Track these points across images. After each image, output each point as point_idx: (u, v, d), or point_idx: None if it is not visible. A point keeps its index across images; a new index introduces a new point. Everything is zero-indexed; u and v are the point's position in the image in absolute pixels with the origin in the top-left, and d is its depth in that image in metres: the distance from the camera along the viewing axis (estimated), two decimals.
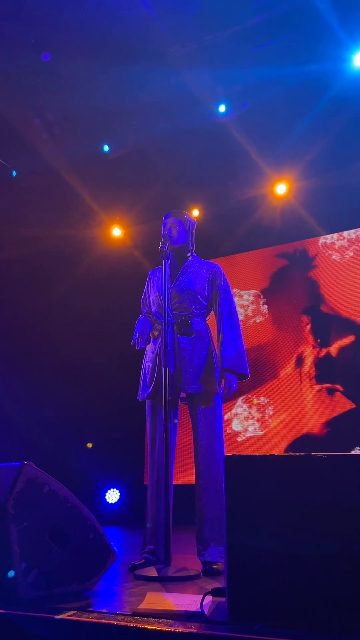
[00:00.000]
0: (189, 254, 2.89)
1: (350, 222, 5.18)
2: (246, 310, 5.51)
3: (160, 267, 2.94)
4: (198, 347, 2.70)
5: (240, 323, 2.82)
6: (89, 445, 5.65)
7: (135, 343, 2.76)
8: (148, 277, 3.02)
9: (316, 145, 4.69)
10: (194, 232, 2.96)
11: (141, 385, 2.80)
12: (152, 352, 2.77)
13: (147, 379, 2.76)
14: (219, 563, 2.39)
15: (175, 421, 2.74)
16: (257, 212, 5.52)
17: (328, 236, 5.31)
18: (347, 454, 1.45)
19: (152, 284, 2.95)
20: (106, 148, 5.15)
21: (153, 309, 2.86)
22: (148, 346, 2.84)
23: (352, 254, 5.16)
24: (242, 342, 2.74)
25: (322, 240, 5.35)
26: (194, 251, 2.94)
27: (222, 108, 4.66)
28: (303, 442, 4.92)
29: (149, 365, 2.77)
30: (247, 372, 2.68)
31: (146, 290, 3.00)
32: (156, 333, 2.80)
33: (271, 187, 5.36)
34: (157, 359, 2.72)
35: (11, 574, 1.70)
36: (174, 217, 2.89)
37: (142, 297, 3.01)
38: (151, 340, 2.82)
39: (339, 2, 3.72)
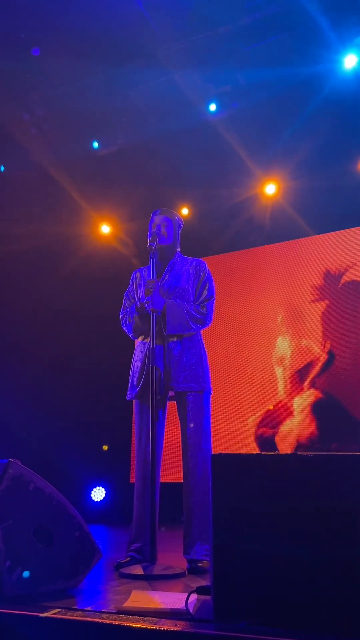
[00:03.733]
0: (174, 253, 2.90)
1: (339, 222, 5.21)
2: (232, 309, 5.52)
3: (145, 267, 2.94)
4: (187, 346, 2.71)
5: (211, 314, 2.80)
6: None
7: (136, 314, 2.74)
8: (132, 276, 3.01)
9: (306, 146, 4.71)
10: (180, 231, 2.96)
11: (130, 384, 2.80)
12: (141, 352, 2.77)
13: (135, 378, 2.76)
14: (205, 561, 2.40)
15: (163, 420, 2.74)
16: (246, 211, 5.53)
17: (315, 236, 5.34)
18: (333, 453, 1.46)
19: (139, 283, 2.94)
20: (96, 145, 5.13)
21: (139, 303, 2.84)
22: (137, 345, 2.84)
23: (338, 253, 5.20)
24: (192, 317, 2.70)
25: (309, 240, 5.37)
26: (179, 250, 2.95)
27: (212, 107, 4.66)
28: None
29: (137, 365, 2.77)
30: (166, 326, 2.64)
31: (132, 288, 2.98)
32: (144, 334, 2.80)
33: (261, 187, 5.38)
34: (145, 358, 2.72)
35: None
36: (163, 215, 2.89)
37: (127, 291, 2.98)
38: (140, 341, 2.82)
39: (329, 5, 3.74)
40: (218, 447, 4.99)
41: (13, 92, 4.55)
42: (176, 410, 2.74)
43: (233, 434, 5.19)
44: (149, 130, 4.84)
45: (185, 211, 5.68)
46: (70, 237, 5.89)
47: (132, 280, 3.01)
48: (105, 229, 6.00)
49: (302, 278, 5.31)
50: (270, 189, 5.34)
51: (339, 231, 5.26)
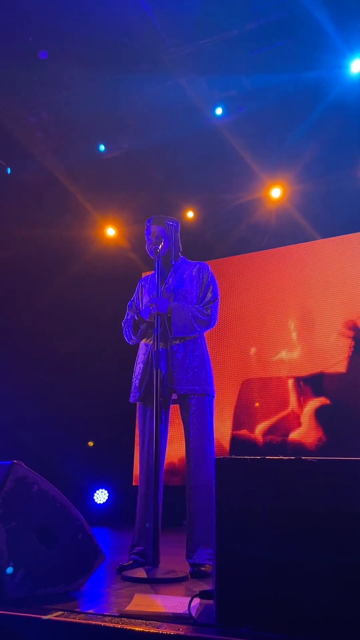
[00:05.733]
0: (175, 258, 2.92)
1: (344, 226, 5.20)
2: (238, 313, 5.52)
3: (151, 274, 2.98)
4: (190, 349, 2.71)
5: (215, 316, 2.81)
6: (90, 443, 5.64)
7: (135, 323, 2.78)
8: (139, 284, 3.06)
9: (311, 150, 4.71)
10: (177, 234, 2.97)
11: (132, 387, 2.81)
12: (144, 354, 2.78)
13: (138, 381, 2.76)
14: (207, 565, 2.39)
15: (166, 423, 2.74)
16: (251, 215, 5.53)
17: (321, 240, 5.33)
18: (337, 458, 1.46)
19: (144, 290, 2.98)
20: (102, 148, 5.15)
21: (141, 311, 2.86)
22: (140, 348, 2.85)
23: (344, 257, 5.19)
24: (196, 319, 2.71)
25: (315, 244, 5.37)
26: (180, 253, 2.96)
27: (218, 111, 4.67)
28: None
29: (140, 367, 2.78)
30: (171, 329, 2.64)
31: (136, 297, 3.03)
32: (145, 337, 2.81)
33: (266, 191, 5.38)
34: (148, 360, 2.73)
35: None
36: (155, 226, 2.90)
37: (130, 301, 3.04)
38: (143, 343, 2.83)
39: (335, 10, 3.75)
40: (225, 454, 4.97)
41: (20, 95, 4.58)
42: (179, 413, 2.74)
43: (241, 441, 5.16)
44: (155, 134, 4.86)
45: (190, 214, 5.69)
46: (75, 240, 5.91)
47: (137, 290, 3.05)
48: (111, 231, 6.01)
49: (309, 282, 5.30)
50: (276, 192, 5.35)
51: (345, 235, 5.25)
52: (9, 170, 5.42)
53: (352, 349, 4.94)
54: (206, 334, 2.86)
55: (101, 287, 5.79)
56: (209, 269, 2.91)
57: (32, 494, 1.88)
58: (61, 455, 5.15)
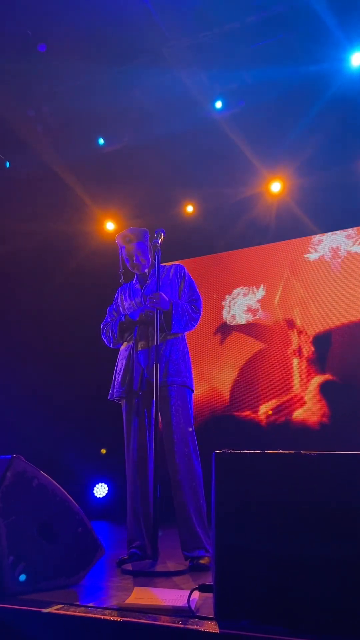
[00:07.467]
0: (151, 266, 2.99)
1: (345, 221, 5.19)
2: (239, 307, 5.51)
3: (127, 283, 3.09)
4: (171, 343, 2.76)
5: (199, 314, 2.87)
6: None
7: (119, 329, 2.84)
8: (118, 291, 3.12)
9: (312, 144, 4.68)
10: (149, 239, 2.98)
11: (115, 383, 2.85)
12: (126, 350, 2.83)
13: (120, 377, 2.80)
14: (206, 557, 2.41)
15: (150, 419, 2.76)
16: (251, 209, 5.51)
17: (322, 235, 5.32)
18: (337, 453, 1.46)
19: (124, 295, 3.04)
20: (101, 141, 5.13)
21: (129, 313, 2.91)
22: (123, 346, 2.89)
23: (345, 253, 5.18)
24: (191, 317, 2.79)
25: (316, 238, 5.35)
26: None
27: (218, 104, 4.65)
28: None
29: (122, 364, 2.82)
30: (172, 325, 2.70)
31: (115, 304, 3.08)
32: (129, 336, 2.85)
33: (266, 185, 5.36)
34: (130, 356, 2.77)
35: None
36: (135, 243, 2.92)
37: (110, 307, 3.10)
38: (125, 347, 2.87)
39: (335, 2, 3.72)
40: (231, 436, 4.94)
41: (19, 89, 4.55)
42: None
43: (244, 421, 5.15)
44: (155, 128, 4.83)
45: (190, 209, 5.68)
46: (75, 235, 5.89)
47: (116, 297, 3.11)
48: (110, 226, 6.00)
49: (310, 276, 5.30)
50: (276, 186, 5.33)
51: (345, 230, 5.24)
52: (7, 164, 5.40)
53: (352, 339, 4.94)
54: (209, 325, 2.89)
55: (101, 282, 5.77)
56: (185, 270, 2.99)
57: (32, 488, 1.89)
58: (60, 449, 5.15)
